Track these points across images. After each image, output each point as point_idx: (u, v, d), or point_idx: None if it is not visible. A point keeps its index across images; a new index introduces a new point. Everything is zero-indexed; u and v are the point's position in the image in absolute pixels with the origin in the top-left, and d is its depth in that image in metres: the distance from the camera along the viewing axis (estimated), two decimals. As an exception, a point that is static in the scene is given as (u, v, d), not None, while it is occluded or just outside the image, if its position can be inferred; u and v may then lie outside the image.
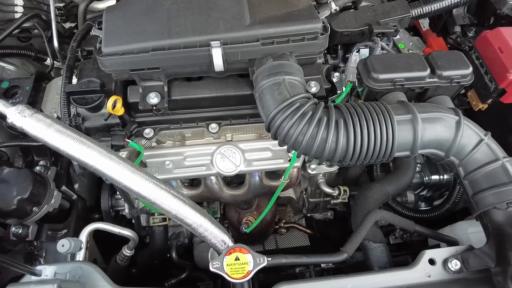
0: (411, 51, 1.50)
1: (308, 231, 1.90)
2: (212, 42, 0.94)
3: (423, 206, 1.55)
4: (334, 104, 0.93)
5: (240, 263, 0.87)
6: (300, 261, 0.93)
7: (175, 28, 0.96)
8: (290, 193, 1.67)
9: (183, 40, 0.95)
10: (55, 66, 1.49)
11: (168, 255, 1.56)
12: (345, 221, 1.77)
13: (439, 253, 0.92)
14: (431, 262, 0.91)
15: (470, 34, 1.41)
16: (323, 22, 1.00)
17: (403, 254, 1.22)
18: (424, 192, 1.50)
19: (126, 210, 1.41)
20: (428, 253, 0.92)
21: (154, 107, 1.06)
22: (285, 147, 1.03)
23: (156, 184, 0.93)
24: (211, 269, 0.88)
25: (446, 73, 1.00)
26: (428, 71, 1.00)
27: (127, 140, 1.09)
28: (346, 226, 1.76)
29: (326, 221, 1.67)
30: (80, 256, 1.05)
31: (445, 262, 0.90)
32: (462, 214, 1.36)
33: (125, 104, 1.11)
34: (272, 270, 1.16)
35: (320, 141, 0.87)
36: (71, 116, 1.10)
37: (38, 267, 0.80)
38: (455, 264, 0.89)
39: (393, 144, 0.89)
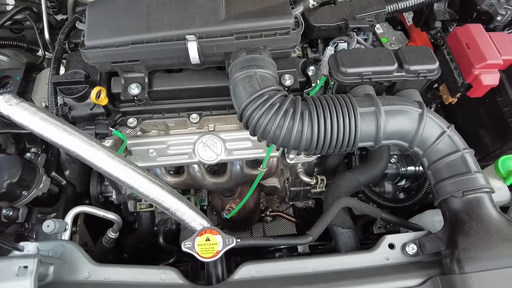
0: (393, 46, 1.53)
1: (293, 219, 1.97)
2: (187, 36, 0.99)
3: (402, 197, 1.60)
4: (303, 97, 0.98)
5: (210, 244, 0.94)
6: (267, 243, 0.99)
7: (154, 22, 1.01)
8: (275, 182, 1.73)
9: (161, 34, 1.00)
10: (46, 57, 1.55)
11: (156, 240, 1.64)
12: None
13: (399, 238, 0.97)
14: (391, 246, 0.96)
15: (451, 29, 1.44)
16: (296, 18, 1.04)
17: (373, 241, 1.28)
18: (402, 183, 1.55)
19: (114, 196, 1.47)
20: (389, 238, 0.97)
21: (135, 98, 1.11)
22: (261, 142, 1.09)
23: (134, 170, 0.99)
24: (183, 249, 0.94)
25: (413, 68, 1.04)
26: (396, 65, 1.04)
27: (110, 128, 1.15)
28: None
29: (308, 210, 1.73)
30: (65, 237, 1.12)
31: (403, 246, 0.96)
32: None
33: (109, 94, 1.16)
34: (250, 254, 1.23)
35: (286, 131, 0.93)
36: (58, 105, 1.16)
37: (21, 243, 0.86)
38: (412, 248, 0.94)
39: (355, 135, 0.94)
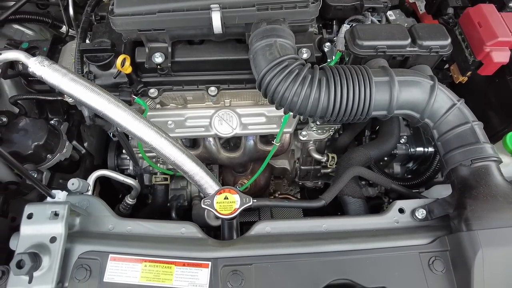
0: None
1: (294, 199, 2.00)
2: (212, 6, 1.04)
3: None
4: (320, 66, 1.02)
5: (229, 202, 0.98)
6: (282, 204, 1.03)
7: (180, -8, 1.06)
8: (285, 164, 1.78)
9: (186, 4, 1.05)
10: (69, 34, 1.61)
11: (169, 216, 1.69)
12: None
13: (409, 204, 1.01)
14: (401, 211, 1.00)
15: (461, 16, 1.48)
16: (314, -8, 1.09)
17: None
18: (410, 164, 1.59)
19: (131, 168, 1.53)
20: (399, 203, 1.01)
21: (158, 66, 1.16)
22: (280, 111, 1.13)
23: (157, 132, 1.04)
24: (202, 205, 0.99)
25: (426, 43, 1.08)
26: (409, 40, 1.08)
27: (133, 96, 1.20)
28: (336, 199, 1.86)
29: (317, 190, 1.77)
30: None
31: (413, 211, 1.00)
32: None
33: (133, 64, 1.22)
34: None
35: (304, 97, 0.97)
36: (84, 73, 1.21)
37: (53, 191, 0.92)
38: (421, 213, 0.98)
39: (370, 103, 0.99)
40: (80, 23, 1.27)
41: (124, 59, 1.15)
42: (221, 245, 0.89)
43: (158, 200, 1.60)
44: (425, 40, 1.08)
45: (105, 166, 1.64)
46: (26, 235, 0.84)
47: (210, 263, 0.83)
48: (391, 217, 0.99)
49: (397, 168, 1.58)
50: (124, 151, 1.54)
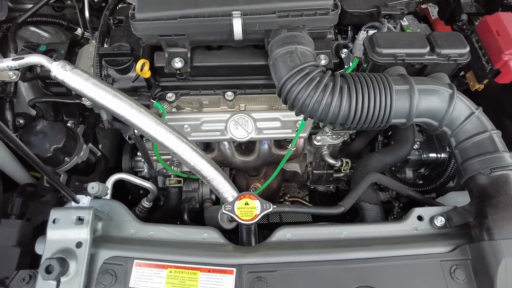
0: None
1: (310, 205, 2.01)
2: (233, 12, 1.05)
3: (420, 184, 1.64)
4: (340, 73, 1.03)
5: (249, 208, 0.99)
6: (302, 210, 1.04)
7: (201, -2, 1.07)
8: (296, 167, 1.79)
9: (208, 10, 1.06)
10: (84, 36, 1.62)
11: (180, 218, 1.70)
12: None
13: (427, 211, 1.02)
14: (419, 218, 1.01)
15: (477, 23, 1.48)
16: (334, 0, 1.10)
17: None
18: (422, 170, 1.60)
19: (145, 170, 1.54)
20: (417, 211, 1.02)
21: (177, 71, 1.17)
22: (294, 115, 1.14)
23: (178, 137, 1.05)
24: (223, 211, 1.00)
25: (444, 51, 1.09)
26: (428, 48, 1.09)
27: (152, 100, 1.21)
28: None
29: (328, 194, 1.78)
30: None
31: (431, 219, 1.00)
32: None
33: (151, 68, 1.22)
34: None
35: (325, 104, 0.98)
36: (102, 76, 1.22)
37: (78, 196, 0.92)
38: (440, 221, 0.99)
39: (390, 111, 1.00)
40: (99, 27, 1.27)
41: (143, 64, 1.16)
42: (244, 251, 0.90)
43: (172, 203, 1.61)
44: (443, 48, 1.09)
45: (118, 168, 1.65)
46: (52, 240, 0.85)
47: (235, 269, 0.84)
48: (410, 224, 1.00)
49: (409, 173, 1.59)
50: (138, 153, 1.56)
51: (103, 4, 1.78)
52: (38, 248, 0.89)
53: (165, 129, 1.03)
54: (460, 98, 1.04)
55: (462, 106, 1.04)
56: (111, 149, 1.67)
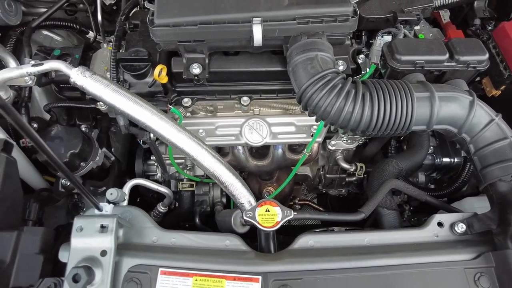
0: (428, 40, 1.58)
1: (320, 209, 2.02)
2: (254, 19, 1.04)
3: (432, 188, 1.65)
4: (361, 80, 1.03)
5: (270, 214, 0.99)
6: (322, 217, 1.04)
7: (221, 4, 1.07)
8: (306, 171, 1.79)
9: (227, 16, 1.06)
10: (96, 39, 1.61)
11: (190, 221, 1.69)
12: (357, 201, 1.88)
13: (447, 218, 1.02)
14: (440, 224, 1.02)
15: (489, 28, 1.49)
16: (354, 7, 1.10)
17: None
18: (434, 174, 1.60)
19: (159, 174, 1.53)
20: (437, 217, 1.02)
21: (195, 77, 1.17)
22: (308, 119, 1.14)
23: (198, 144, 1.05)
24: (244, 217, 1.00)
25: (463, 58, 1.09)
26: (447, 55, 1.10)
27: (169, 106, 1.21)
28: (354, 208, 1.88)
29: (340, 198, 1.78)
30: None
31: (452, 225, 1.01)
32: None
33: (168, 74, 1.22)
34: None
35: (347, 112, 0.98)
36: (119, 81, 1.22)
37: (101, 204, 0.92)
38: (461, 227, 0.99)
39: (411, 118, 1.00)
40: (114, 31, 1.27)
41: (161, 69, 1.16)
42: (269, 258, 0.90)
43: (184, 206, 1.61)
44: (462, 55, 1.09)
45: (129, 172, 1.65)
46: (77, 248, 0.85)
47: (260, 277, 0.84)
48: (430, 231, 1.01)
49: (421, 177, 1.59)
50: (151, 157, 1.55)
51: (114, 8, 1.78)
52: (62, 256, 0.88)
53: (186, 135, 1.03)
54: (480, 105, 1.04)
55: (482, 113, 1.04)
56: (123, 152, 1.67)
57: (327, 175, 1.60)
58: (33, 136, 0.59)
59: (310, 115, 1.06)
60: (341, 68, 1.19)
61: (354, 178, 1.60)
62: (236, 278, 0.84)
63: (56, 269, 0.96)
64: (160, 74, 1.16)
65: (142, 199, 1.74)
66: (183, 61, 1.17)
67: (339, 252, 0.92)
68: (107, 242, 0.85)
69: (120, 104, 1.02)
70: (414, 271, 0.88)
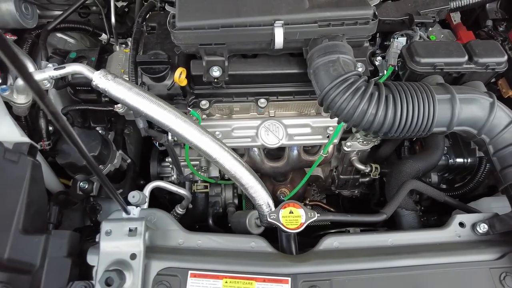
0: (443, 42, 1.59)
1: (331, 209, 2.03)
2: (275, 22, 1.05)
3: (444, 188, 1.66)
4: (384, 82, 1.04)
5: (294, 216, 1.00)
6: (345, 219, 1.05)
7: (243, 8, 1.07)
8: (318, 171, 1.80)
9: (249, 19, 1.06)
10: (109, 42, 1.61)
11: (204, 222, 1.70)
12: (368, 201, 1.89)
13: (469, 218, 1.03)
14: (461, 225, 1.03)
15: (501, 29, 1.50)
16: (373, 9, 1.11)
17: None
18: (446, 174, 1.61)
19: (174, 176, 1.54)
20: (459, 217, 1.03)
21: (215, 80, 1.17)
22: (324, 121, 1.14)
23: (221, 146, 1.06)
24: (268, 219, 1.00)
25: (482, 60, 1.10)
26: (466, 57, 1.11)
27: (188, 108, 1.21)
28: (364, 207, 1.89)
29: (353, 199, 1.79)
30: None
31: (473, 225, 1.02)
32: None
33: (187, 76, 1.22)
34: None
35: (370, 114, 0.99)
36: (138, 84, 1.22)
37: (128, 207, 0.92)
38: (483, 227, 1.01)
39: (433, 120, 1.01)
40: (132, 34, 1.27)
41: (181, 72, 1.16)
42: (296, 260, 0.90)
43: (199, 208, 1.61)
44: (481, 57, 1.10)
45: (142, 174, 1.65)
46: (106, 252, 0.85)
47: (289, 279, 0.84)
48: (452, 231, 1.02)
49: (434, 177, 1.60)
50: (166, 159, 1.55)
51: (126, 10, 1.78)
52: (90, 259, 0.88)
53: (209, 138, 1.04)
54: (500, 107, 1.05)
55: (502, 115, 1.05)
56: (136, 154, 1.67)
57: (341, 176, 1.61)
58: (75, 140, 0.59)
59: (331, 117, 1.07)
60: (359, 70, 1.19)
61: (367, 179, 1.61)
62: (265, 280, 0.84)
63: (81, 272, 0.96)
64: (180, 76, 1.16)
65: (156, 201, 1.74)
66: (203, 64, 1.17)
67: (364, 253, 0.93)
68: (137, 245, 0.85)
69: (144, 107, 1.02)
70: (441, 271, 0.89)
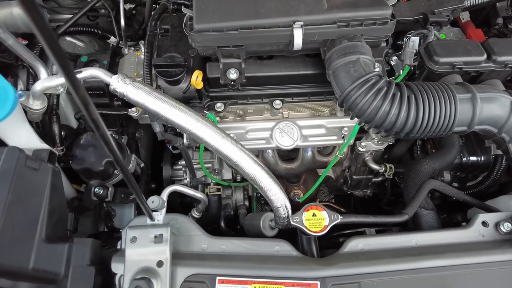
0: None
1: (342, 209, 2.02)
2: (295, 23, 1.04)
3: (455, 186, 1.66)
4: (405, 82, 1.04)
5: (317, 219, 0.99)
6: (367, 220, 1.04)
7: (261, 9, 1.06)
8: (329, 172, 1.79)
9: (268, 21, 1.05)
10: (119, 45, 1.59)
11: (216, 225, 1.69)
12: (377, 201, 1.89)
13: (491, 217, 1.03)
14: (484, 224, 1.02)
15: (511, 26, 1.51)
16: (391, 10, 1.10)
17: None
18: (459, 173, 1.61)
19: (188, 179, 1.53)
20: (481, 217, 1.03)
21: (232, 82, 1.16)
22: (338, 121, 1.12)
23: (241, 150, 1.04)
24: (292, 222, 1.00)
25: (501, 58, 1.10)
26: (485, 56, 1.11)
27: (205, 111, 1.20)
28: (373, 207, 1.89)
29: (366, 199, 1.79)
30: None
31: (497, 224, 1.02)
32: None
33: (203, 79, 1.21)
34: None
35: (392, 115, 0.98)
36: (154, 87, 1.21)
37: (153, 213, 0.91)
38: (506, 226, 1.00)
39: (454, 120, 1.00)
40: (146, 37, 1.26)
41: (198, 75, 1.15)
42: (323, 263, 0.90)
43: (212, 211, 1.60)
44: (500, 55, 1.10)
45: (154, 177, 1.64)
46: (132, 260, 0.84)
47: (318, 282, 0.84)
48: (475, 231, 1.01)
49: (447, 176, 1.60)
50: (178, 162, 1.54)
51: (133, 12, 1.76)
52: (115, 267, 0.87)
53: (230, 141, 1.02)
54: (520, 105, 1.05)
55: (522, 113, 1.05)
56: (147, 158, 1.65)
57: (354, 176, 1.60)
58: (113, 150, 0.58)
59: (352, 118, 1.07)
60: (377, 70, 1.19)
61: (380, 179, 1.61)
62: (294, 284, 0.83)
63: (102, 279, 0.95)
64: (196, 79, 1.15)
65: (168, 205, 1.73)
66: (220, 66, 1.16)
67: (390, 254, 0.92)
68: (163, 252, 0.84)
69: (164, 111, 1.01)
70: (467, 271, 0.89)
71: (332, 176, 1.80)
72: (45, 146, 0.99)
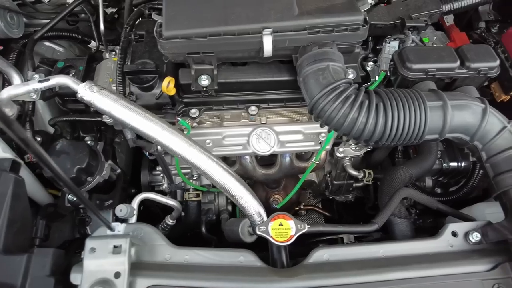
0: (435, 45, 1.58)
1: (326, 213, 2.01)
2: (264, 30, 1.03)
3: (439, 192, 1.64)
4: (373, 89, 1.02)
5: (284, 228, 0.98)
6: (336, 230, 1.03)
7: (231, 16, 1.05)
8: (312, 176, 1.78)
9: (237, 27, 1.04)
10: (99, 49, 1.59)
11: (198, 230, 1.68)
12: (362, 205, 1.88)
13: (461, 227, 1.02)
14: (454, 234, 1.01)
15: (494, 30, 1.49)
16: (364, 15, 1.09)
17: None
18: (441, 178, 1.60)
19: (165, 185, 1.52)
20: (451, 226, 1.02)
21: (204, 89, 1.15)
22: (316, 127, 1.11)
23: (209, 157, 1.03)
24: (257, 232, 0.99)
25: (474, 65, 1.09)
26: (458, 62, 1.09)
27: (177, 118, 1.19)
28: (359, 211, 1.87)
29: (347, 204, 1.77)
30: (132, 221, 1.16)
31: (466, 234, 1.00)
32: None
33: (176, 85, 1.20)
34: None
35: (360, 123, 0.97)
36: (126, 94, 1.20)
37: (113, 224, 0.90)
38: (475, 236, 0.99)
39: (425, 128, 0.99)
40: (120, 43, 1.25)
41: (169, 82, 1.14)
42: (285, 275, 0.89)
43: (191, 217, 1.59)
44: (473, 62, 1.09)
45: (134, 182, 1.63)
46: (90, 270, 0.83)
47: (279, 295, 0.83)
48: (445, 240, 1.00)
49: (428, 181, 1.58)
50: (157, 168, 1.53)
51: (115, 16, 1.75)
52: (73, 278, 0.86)
53: (197, 149, 1.01)
54: (492, 113, 1.03)
55: (495, 121, 1.03)
56: (127, 163, 1.64)
57: (335, 182, 1.59)
58: (40, 155, 0.57)
59: (322, 126, 1.05)
60: (351, 76, 1.18)
61: (361, 184, 1.60)
62: (254, 297, 0.82)
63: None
64: (168, 86, 1.14)
65: (148, 210, 1.72)
66: (191, 72, 1.15)
67: (355, 266, 0.91)
68: (121, 263, 0.84)
69: (130, 120, 1.00)
70: (432, 284, 0.88)
71: (315, 180, 1.78)
72: (7, 155, 0.99)
